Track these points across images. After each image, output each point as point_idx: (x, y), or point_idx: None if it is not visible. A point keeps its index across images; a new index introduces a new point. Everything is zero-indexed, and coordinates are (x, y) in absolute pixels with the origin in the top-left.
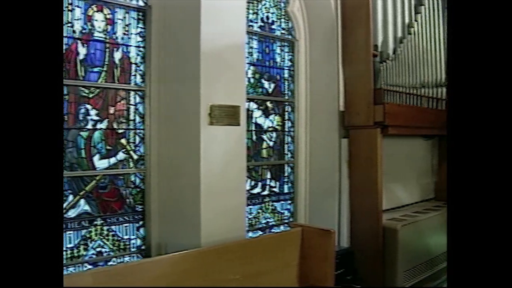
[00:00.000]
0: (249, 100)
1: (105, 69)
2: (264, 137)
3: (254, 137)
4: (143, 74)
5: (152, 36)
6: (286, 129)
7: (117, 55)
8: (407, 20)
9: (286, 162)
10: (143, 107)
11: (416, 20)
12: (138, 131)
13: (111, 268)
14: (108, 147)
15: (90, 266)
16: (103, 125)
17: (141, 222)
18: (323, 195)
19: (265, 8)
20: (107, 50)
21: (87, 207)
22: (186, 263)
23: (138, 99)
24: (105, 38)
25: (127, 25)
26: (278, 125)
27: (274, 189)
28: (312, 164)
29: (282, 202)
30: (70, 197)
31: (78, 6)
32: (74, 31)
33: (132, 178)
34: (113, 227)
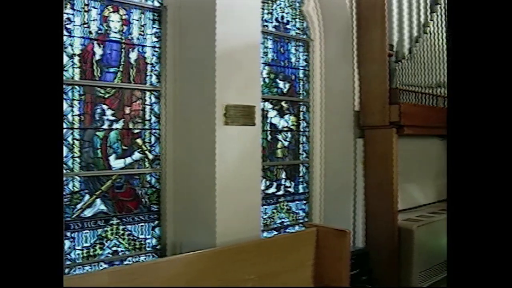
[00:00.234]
0: (264, 100)
1: (121, 69)
2: (279, 137)
3: (269, 137)
4: (159, 74)
5: (167, 37)
6: (301, 129)
7: (133, 56)
8: (422, 20)
9: (301, 162)
10: (158, 107)
11: (432, 20)
12: (153, 131)
13: (126, 268)
14: (124, 147)
15: (106, 265)
16: (119, 125)
17: (156, 222)
18: (338, 195)
19: (280, 8)
20: (123, 50)
21: (103, 207)
22: (201, 263)
23: (153, 99)
24: (121, 38)
25: (142, 26)
26: (293, 125)
27: (289, 189)
28: (327, 164)
29: (297, 202)
30: (86, 197)
31: (94, 7)
32: (90, 32)
33: (148, 178)
34: (128, 226)
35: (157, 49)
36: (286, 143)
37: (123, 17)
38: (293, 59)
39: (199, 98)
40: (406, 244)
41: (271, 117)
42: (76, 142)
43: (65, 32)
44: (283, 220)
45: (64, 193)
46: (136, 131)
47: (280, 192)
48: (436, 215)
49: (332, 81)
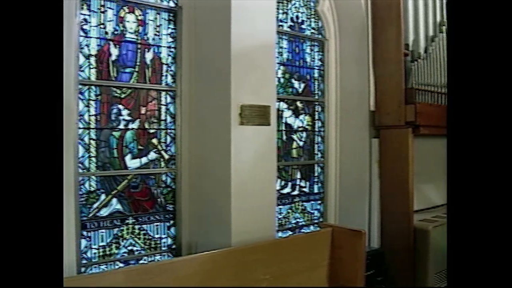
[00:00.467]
0: (279, 100)
1: (136, 69)
2: (294, 137)
3: (284, 137)
4: (174, 74)
5: (182, 37)
6: (316, 129)
7: (149, 56)
8: (438, 19)
9: (316, 162)
10: (174, 107)
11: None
12: (169, 131)
13: (142, 267)
14: (139, 147)
15: (121, 264)
16: (134, 125)
17: (172, 222)
18: (353, 195)
19: (295, 7)
20: (139, 51)
21: (119, 206)
22: (216, 263)
23: (169, 99)
24: (137, 39)
25: (158, 26)
26: (308, 125)
27: (304, 189)
28: (342, 164)
29: (312, 202)
30: (103, 196)
31: (110, 8)
32: (106, 33)
33: (163, 178)
34: (144, 226)
35: (172, 49)
36: (301, 143)
37: (139, 17)
38: (308, 59)
39: (215, 98)
40: (422, 245)
41: (286, 117)
42: (92, 142)
43: (81, 33)
44: (298, 220)
45: (81, 192)
46: (151, 131)
47: (295, 192)
48: None
49: (347, 81)
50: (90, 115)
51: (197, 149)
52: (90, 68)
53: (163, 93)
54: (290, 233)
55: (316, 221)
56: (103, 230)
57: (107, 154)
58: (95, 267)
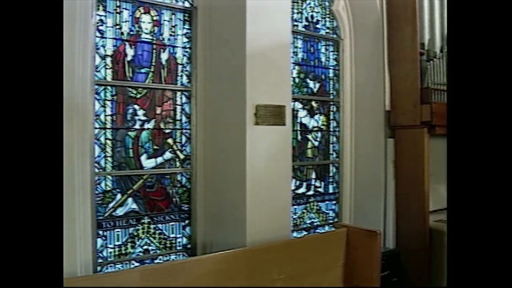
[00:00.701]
0: (294, 100)
1: (152, 70)
2: (309, 137)
3: (299, 137)
4: (189, 74)
5: (198, 37)
6: (331, 129)
7: (164, 56)
8: None
9: (331, 162)
10: (189, 107)
11: None
12: (184, 131)
13: (158, 266)
14: (155, 147)
15: (137, 264)
16: (150, 125)
17: (187, 221)
18: (368, 195)
19: (310, 7)
20: (154, 51)
21: (134, 206)
22: (231, 262)
23: (184, 99)
24: (152, 39)
25: (173, 26)
26: (323, 124)
27: (319, 189)
28: (358, 164)
29: (327, 202)
30: (118, 196)
31: (125, 9)
32: (122, 33)
33: (179, 178)
34: (159, 225)
35: (187, 50)
36: (316, 143)
37: (154, 18)
38: (323, 59)
39: (230, 98)
40: (438, 246)
41: (301, 117)
42: (108, 142)
43: (97, 34)
44: (313, 220)
45: (97, 192)
46: (167, 131)
47: (310, 192)
48: None
49: (363, 81)
50: (106, 115)
51: (212, 149)
52: (106, 69)
53: (179, 93)
54: (305, 233)
55: (331, 221)
56: (119, 230)
57: (123, 154)
58: (111, 266)
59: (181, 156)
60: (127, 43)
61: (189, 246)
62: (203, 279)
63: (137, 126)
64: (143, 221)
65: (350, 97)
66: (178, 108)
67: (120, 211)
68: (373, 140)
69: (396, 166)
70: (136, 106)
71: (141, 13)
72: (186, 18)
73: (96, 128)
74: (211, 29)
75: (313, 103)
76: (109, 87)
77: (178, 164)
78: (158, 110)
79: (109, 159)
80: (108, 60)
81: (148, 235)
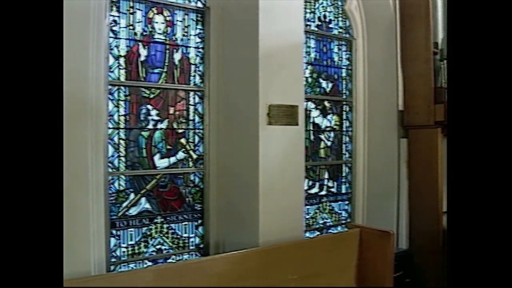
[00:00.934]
0: (307, 99)
1: (165, 70)
2: (322, 137)
3: (312, 137)
4: (202, 74)
5: (210, 37)
6: (344, 129)
7: (177, 56)
8: None
9: (344, 162)
10: (202, 107)
11: None
12: (197, 131)
13: (171, 266)
14: (168, 147)
15: (150, 263)
16: (163, 125)
17: (199, 221)
18: (381, 195)
19: (322, 7)
20: (167, 51)
21: (147, 205)
22: (245, 262)
23: (197, 99)
24: (165, 39)
25: (186, 27)
26: (336, 124)
27: (331, 189)
28: (370, 164)
29: (340, 202)
30: (132, 195)
31: (139, 9)
32: (135, 33)
33: (192, 177)
34: (172, 225)
35: (200, 50)
36: (329, 143)
37: (167, 18)
38: (335, 58)
39: (243, 98)
40: None
41: (314, 117)
42: (121, 141)
43: (111, 34)
44: (325, 220)
45: (110, 191)
46: (180, 131)
47: (323, 192)
48: None
49: (376, 80)
50: (119, 115)
51: (225, 149)
52: (119, 69)
53: (191, 93)
54: (318, 233)
55: (343, 221)
56: (132, 229)
57: (136, 153)
58: (124, 265)
59: (194, 156)
60: (140, 43)
61: (201, 245)
62: (216, 279)
63: (150, 126)
64: (156, 220)
65: (363, 97)
66: (191, 108)
67: (133, 211)
68: (386, 140)
69: (409, 166)
70: (149, 106)
71: (154, 14)
72: (199, 18)
73: (109, 128)
74: (224, 29)
75: (326, 103)
76: (122, 87)
77: (191, 164)
78: (171, 110)
79: (123, 159)
80: (122, 60)
81: (161, 234)
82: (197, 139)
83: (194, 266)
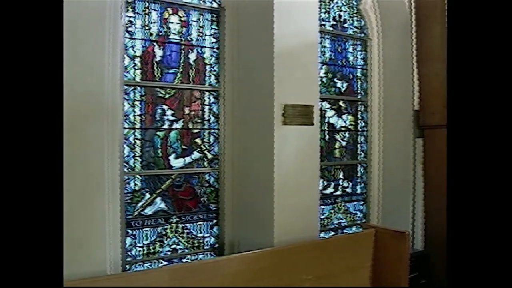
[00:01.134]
0: (322, 99)
1: (180, 70)
2: (337, 136)
3: (326, 137)
4: (217, 74)
5: (225, 37)
6: (359, 129)
7: (192, 57)
8: None
9: (359, 162)
10: (217, 107)
11: None
12: (212, 131)
13: (186, 265)
14: (183, 147)
15: (165, 263)
16: (178, 125)
17: (214, 221)
18: (396, 196)
19: (337, 6)
20: (182, 51)
21: (163, 205)
22: (260, 262)
23: (212, 99)
24: (180, 40)
25: (201, 27)
26: (351, 124)
27: (346, 190)
28: (386, 165)
29: (355, 202)
30: (147, 195)
31: (154, 10)
32: (150, 34)
33: (207, 177)
34: (187, 225)
35: (215, 50)
36: (344, 143)
37: (182, 18)
38: (350, 58)
39: (258, 98)
40: None
41: (329, 117)
42: (137, 141)
43: (126, 35)
44: (340, 220)
45: (126, 191)
46: (195, 131)
47: (338, 193)
48: None
49: (391, 80)
50: (135, 115)
51: (240, 148)
52: (135, 69)
53: (207, 93)
54: (332, 233)
55: (358, 221)
56: (148, 229)
57: (152, 153)
58: (139, 264)
59: (209, 156)
60: (155, 43)
61: (216, 245)
62: (231, 279)
63: (165, 126)
64: (171, 220)
65: (378, 97)
66: (206, 108)
67: (148, 210)
68: (401, 140)
69: (425, 166)
70: (164, 106)
71: (170, 14)
72: (213, 18)
73: (125, 128)
74: (238, 29)
75: (341, 103)
76: (138, 88)
77: (206, 163)
78: (187, 110)
79: (138, 158)
80: (137, 60)
81: (176, 234)
82: (212, 139)
83: (209, 266)
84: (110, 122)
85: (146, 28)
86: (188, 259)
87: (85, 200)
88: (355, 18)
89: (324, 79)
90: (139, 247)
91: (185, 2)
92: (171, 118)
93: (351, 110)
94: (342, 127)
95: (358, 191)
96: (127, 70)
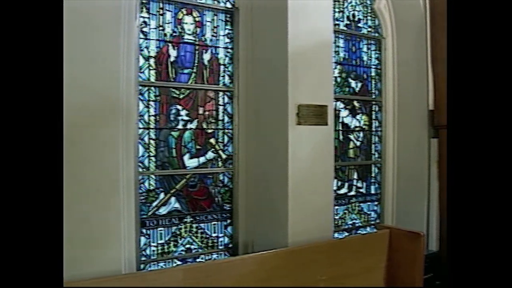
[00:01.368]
0: (336, 99)
1: (194, 70)
2: (351, 137)
3: (341, 137)
4: (231, 74)
5: (239, 37)
6: (373, 129)
7: (206, 57)
8: None
9: (373, 162)
10: (231, 107)
11: None
12: (226, 131)
13: (200, 265)
14: (197, 147)
15: (179, 262)
16: (193, 125)
17: (229, 221)
18: (411, 196)
19: (351, 6)
20: (197, 52)
21: (177, 205)
22: (274, 262)
23: (226, 100)
24: (195, 40)
25: (215, 27)
26: (365, 124)
27: (360, 190)
28: (400, 165)
29: (369, 203)
30: (162, 195)
31: (168, 10)
32: (165, 34)
33: (221, 177)
34: (202, 224)
35: (229, 50)
36: (358, 143)
37: (197, 19)
38: (365, 58)
39: (272, 98)
40: None
41: (343, 117)
42: (152, 141)
43: (141, 35)
44: (354, 221)
45: (140, 191)
46: (209, 131)
47: (352, 193)
48: None
49: (405, 80)
50: (149, 116)
51: (254, 148)
52: (149, 70)
53: (221, 93)
54: (346, 234)
55: (372, 222)
56: (162, 228)
57: (166, 153)
58: (154, 264)
59: (223, 156)
60: (170, 44)
61: (230, 245)
62: (245, 279)
63: (180, 126)
64: (185, 220)
65: (393, 97)
66: (220, 108)
67: (163, 210)
68: (416, 140)
69: (440, 166)
70: (179, 106)
71: (184, 15)
72: (227, 18)
73: (140, 128)
74: (252, 29)
75: (355, 103)
76: (152, 88)
77: (220, 163)
78: (201, 110)
79: (153, 158)
80: (152, 61)
81: (190, 234)
82: (226, 139)
83: (223, 266)
84: (125, 122)
85: (161, 28)
86: (202, 259)
87: (101, 200)
88: (369, 18)
89: (338, 79)
90: (154, 246)
91: (199, 3)
92: (186, 118)
93: (365, 110)
94: (356, 127)
95: (372, 191)
96: (142, 70)
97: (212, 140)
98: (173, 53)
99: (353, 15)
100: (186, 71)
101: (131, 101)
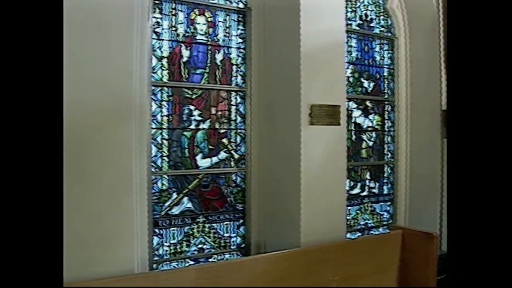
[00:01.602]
0: (349, 99)
1: (207, 70)
2: (364, 137)
3: (353, 137)
4: (244, 75)
5: (252, 37)
6: (386, 129)
7: (219, 57)
8: None
9: (385, 163)
10: (244, 107)
11: None
12: (239, 131)
13: (213, 265)
14: (210, 147)
15: (192, 262)
16: (205, 125)
17: (241, 221)
18: (424, 196)
19: (364, 5)
20: (209, 52)
21: (190, 205)
22: (286, 262)
23: (239, 100)
24: (207, 40)
25: (228, 27)
26: (378, 124)
27: (373, 190)
28: (413, 165)
29: (382, 203)
30: (174, 195)
31: (181, 11)
32: (177, 35)
33: (233, 177)
34: (214, 224)
35: (242, 50)
36: (370, 143)
37: (209, 19)
38: (377, 58)
39: (284, 98)
40: None
41: (355, 117)
42: (164, 141)
43: (154, 36)
44: (367, 221)
45: (153, 191)
46: (222, 131)
47: (364, 193)
48: None
49: (418, 79)
50: (162, 116)
51: (267, 149)
52: (162, 70)
53: (233, 94)
54: (359, 234)
55: (385, 222)
56: (175, 228)
57: (179, 153)
58: (166, 264)
59: (236, 156)
60: (182, 44)
61: (243, 245)
62: (257, 279)
63: (192, 126)
64: (198, 220)
65: (406, 96)
66: (233, 108)
67: (175, 210)
68: (429, 140)
69: None
70: (191, 107)
71: (196, 15)
72: (240, 19)
73: (153, 128)
74: (265, 29)
75: (368, 103)
76: (165, 88)
77: (232, 163)
78: (213, 110)
79: (166, 158)
80: (165, 61)
81: (202, 234)
82: (239, 139)
83: (235, 266)
84: (138, 123)
85: (173, 29)
86: (214, 258)
87: (114, 200)
88: (381, 17)
89: (351, 79)
90: (166, 246)
91: (212, 3)
92: (198, 118)
93: (378, 110)
94: (369, 127)
95: (385, 191)
96: (155, 71)
97: (225, 140)
98: (185, 53)
99: (366, 15)
100: (198, 71)
101: (144, 101)
